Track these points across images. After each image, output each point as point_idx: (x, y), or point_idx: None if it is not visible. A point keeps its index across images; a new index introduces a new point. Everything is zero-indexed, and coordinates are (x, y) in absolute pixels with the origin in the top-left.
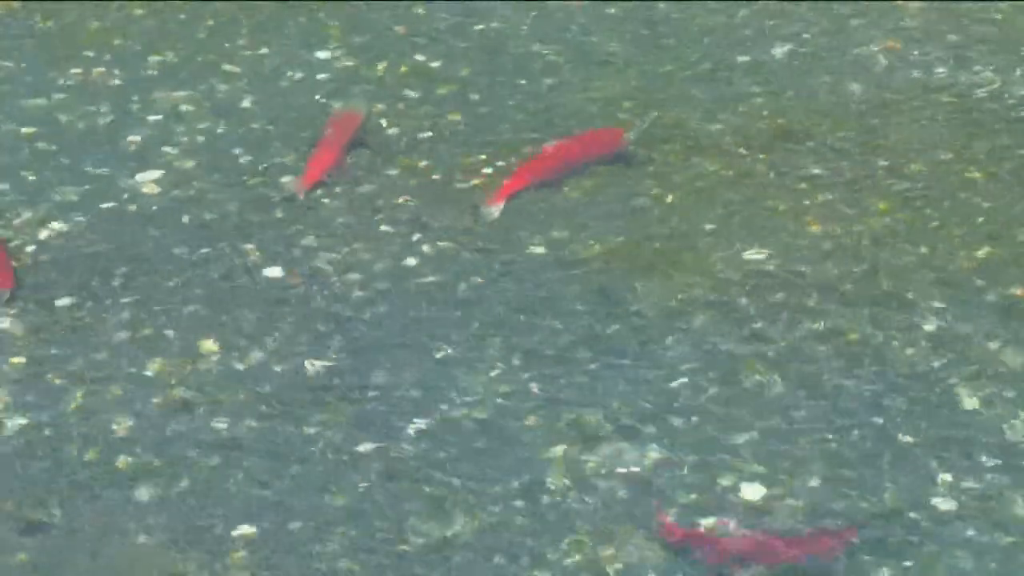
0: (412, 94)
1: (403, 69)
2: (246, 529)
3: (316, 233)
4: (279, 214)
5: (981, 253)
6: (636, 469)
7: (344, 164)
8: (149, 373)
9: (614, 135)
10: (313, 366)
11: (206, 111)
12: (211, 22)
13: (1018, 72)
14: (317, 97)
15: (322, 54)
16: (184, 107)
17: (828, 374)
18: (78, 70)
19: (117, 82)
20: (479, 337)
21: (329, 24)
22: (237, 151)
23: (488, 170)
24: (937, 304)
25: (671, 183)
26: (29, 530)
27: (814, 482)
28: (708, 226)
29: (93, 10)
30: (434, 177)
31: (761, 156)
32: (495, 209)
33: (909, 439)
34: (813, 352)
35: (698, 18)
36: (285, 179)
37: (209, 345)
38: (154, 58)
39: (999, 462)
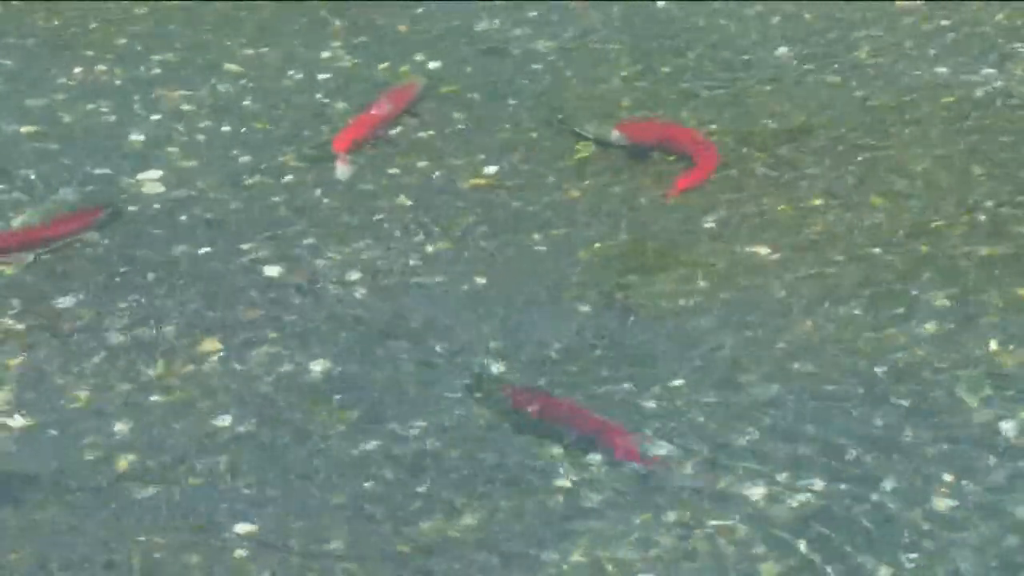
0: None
1: (404, 69)
2: (247, 528)
3: (317, 233)
4: (280, 214)
5: (982, 253)
6: (636, 469)
7: (384, 134)
8: (150, 373)
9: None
10: (314, 366)
11: (207, 111)
12: (212, 21)
13: (1019, 72)
14: (318, 96)
15: (323, 53)
16: (185, 106)
17: (829, 374)
18: (79, 69)
19: (118, 81)
20: (480, 337)
21: (330, 24)
22: (238, 151)
23: (490, 170)
24: (938, 304)
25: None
26: (30, 531)
27: (814, 482)
28: (709, 225)
29: (94, 9)
30: (434, 177)
31: (762, 155)
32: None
33: (909, 439)
34: (814, 352)
35: (699, 18)
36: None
37: (210, 345)
38: (155, 57)
39: (999, 462)
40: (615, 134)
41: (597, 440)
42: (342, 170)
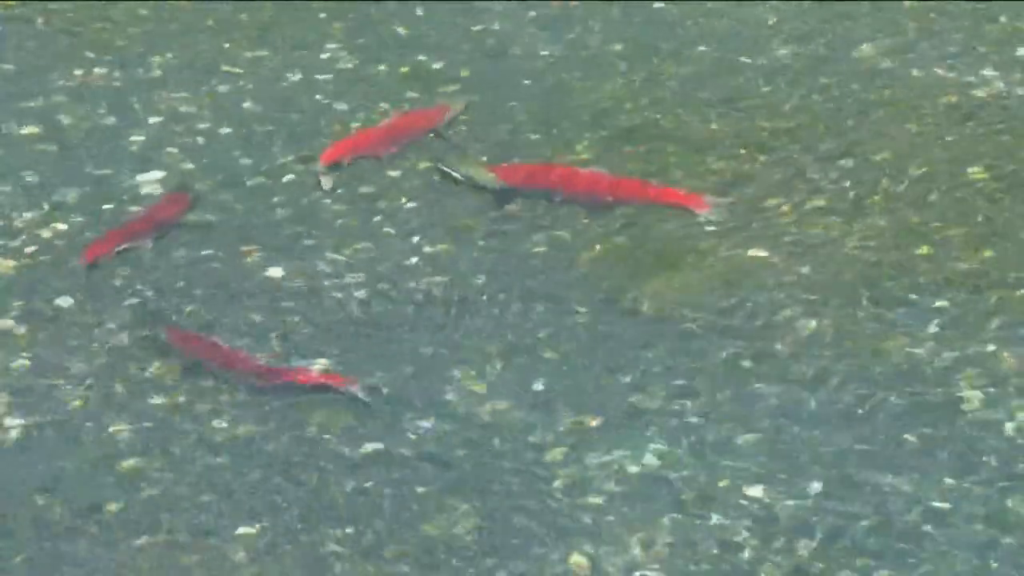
0: (413, 95)
1: (404, 70)
2: (247, 529)
3: (317, 234)
4: (280, 215)
5: (982, 253)
6: (637, 469)
7: (380, 154)
8: (150, 374)
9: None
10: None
11: (207, 112)
12: (212, 23)
13: (1018, 73)
14: (318, 98)
15: (323, 55)
16: (185, 108)
17: (829, 374)
18: (79, 71)
19: (118, 83)
20: (480, 337)
21: (330, 25)
22: (238, 152)
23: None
24: (938, 304)
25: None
26: (31, 531)
27: (815, 483)
28: (709, 227)
29: (94, 11)
30: (435, 179)
31: (762, 157)
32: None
33: (909, 439)
34: (814, 352)
35: (699, 19)
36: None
37: None
38: (155, 59)
39: (999, 462)
40: (490, 176)
41: (270, 384)
42: (325, 181)
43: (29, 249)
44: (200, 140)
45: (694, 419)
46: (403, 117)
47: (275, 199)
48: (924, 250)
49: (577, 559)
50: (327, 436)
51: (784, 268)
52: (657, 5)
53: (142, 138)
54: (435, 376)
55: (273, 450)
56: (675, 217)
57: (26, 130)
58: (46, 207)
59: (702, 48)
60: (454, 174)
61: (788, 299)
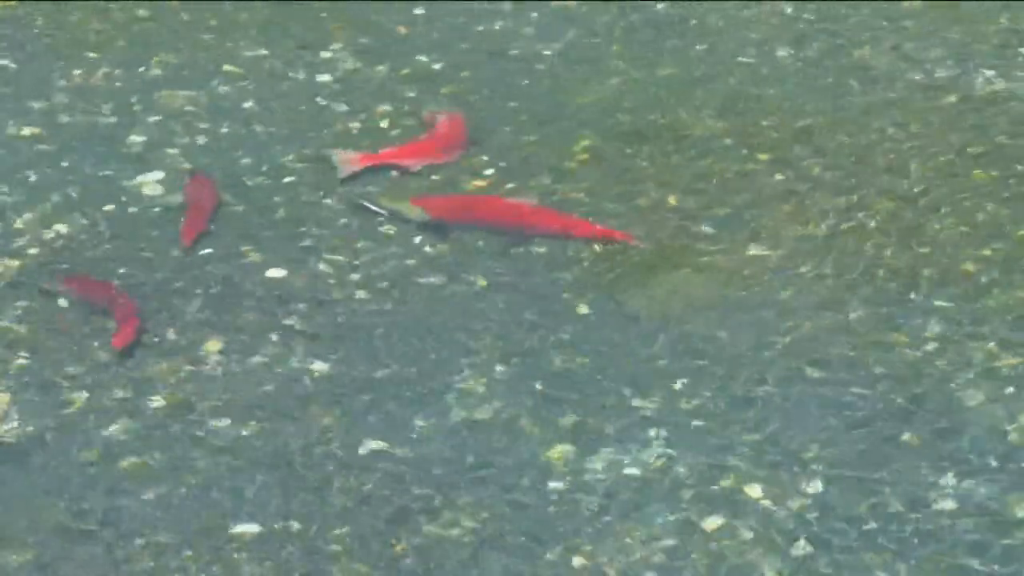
0: (413, 95)
1: (405, 70)
2: (247, 529)
3: (318, 234)
4: (280, 215)
5: (982, 253)
6: (637, 470)
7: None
8: (151, 374)
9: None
10: (314, 366)
11: (207, 112)
12: (213, 23)
13: (1018, 72)
14: (319, 98)
15: (324, 55)
16: (185, 108)
17: (829, 374)
18: (80, 71)
19: (119, 83)
20: (480, 337)
21: (331, 25)
22: (238, 152)
23: (490, 171)
24: (938, 304)
25: (672, 183)
26: (32, 531)
27: (815, 482)
28: (709, 227)
29: (95, 11)
30: (434, 178)
31: (762, 156)
32: None
33: (910, 439)
34: (814, 352)
35: (699, 19)
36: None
37: (210, 346)
38: (156, 59)
39: (1000, 462)
40: (415, 210)
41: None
42: (345, 171)
43: (30, 250)
44: (200, 140)
45: (694, 419)
46: (445, 128)
47: (275, 199)
48: (924, 250)
49: (577, 560)
50: (327, 436)
51: (784, 268)
52: (657, 6)
53: (142, 138)
54: (435, 376)
55: (273, 450)
56: (674, 216)
57: (26, 130)
58: (46, 207)
59: (702, 48)
60: (376, 209)
61: (788, 299)
